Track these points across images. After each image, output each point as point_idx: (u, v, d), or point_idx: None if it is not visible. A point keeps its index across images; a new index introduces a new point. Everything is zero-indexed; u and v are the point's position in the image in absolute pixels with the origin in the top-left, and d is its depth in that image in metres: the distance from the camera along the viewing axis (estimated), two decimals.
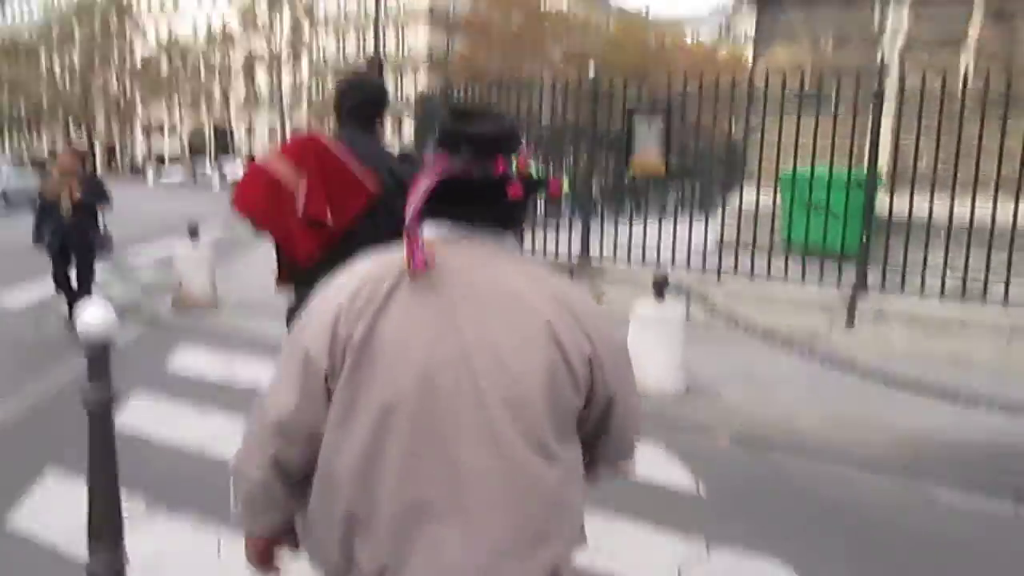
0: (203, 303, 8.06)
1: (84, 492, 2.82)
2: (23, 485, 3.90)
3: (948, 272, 7.03)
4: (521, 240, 1.61)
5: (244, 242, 11.70)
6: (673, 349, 5.40)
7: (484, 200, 1.43)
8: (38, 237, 7.43)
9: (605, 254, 8.60)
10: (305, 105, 60.96)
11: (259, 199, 2.93)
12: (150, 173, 53.70)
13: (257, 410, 1.47)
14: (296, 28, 59.65)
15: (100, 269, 8.02)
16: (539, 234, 8.99)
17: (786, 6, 10.51)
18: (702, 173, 14.11)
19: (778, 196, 8.39)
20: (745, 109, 8.32)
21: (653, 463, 4.31)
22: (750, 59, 7.70)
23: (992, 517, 3.96)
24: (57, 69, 69.19)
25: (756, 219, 7.70)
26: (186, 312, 7.92)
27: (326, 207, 2.84)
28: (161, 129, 72.46)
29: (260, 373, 4.36)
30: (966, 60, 8.87)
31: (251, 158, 34.63)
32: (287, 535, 1.57)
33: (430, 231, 1.44)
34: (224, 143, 65.66)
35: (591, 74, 8.45)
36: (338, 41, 63.89)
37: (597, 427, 1.51)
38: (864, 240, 7.35)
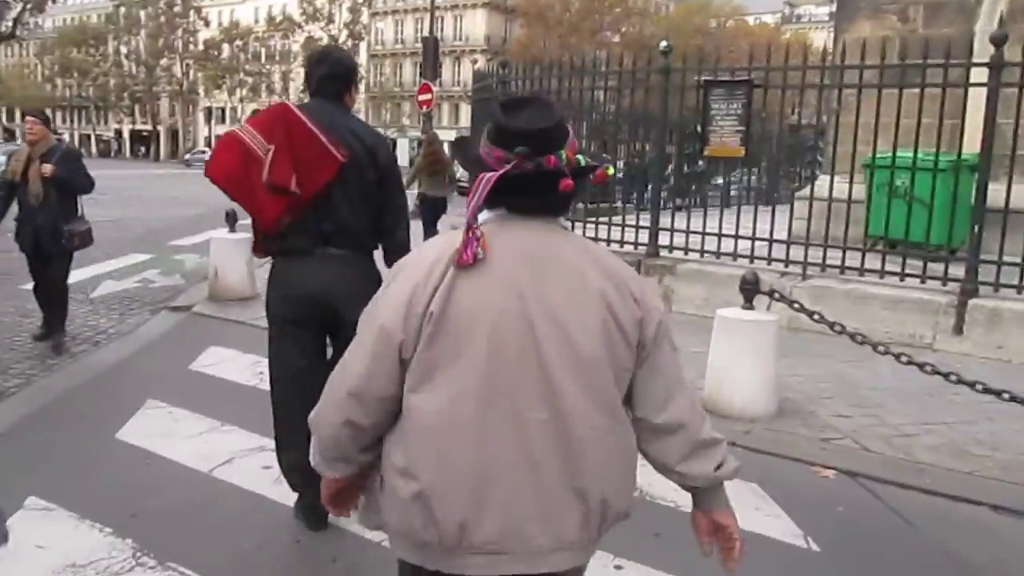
0: (240, 294, 7.51)
1: None
2: None
3: None
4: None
5: None
6: (765, 363, 4.61)
7: (539, 192, 1.55)
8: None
9: (674, 247, 7.79)
10: (363, 89, 60.82)
11: (230, 167, 3.02)
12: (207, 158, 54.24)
13: (334, 374, 1.60)
14: (355, 12, 59.48)
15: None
16: (601, 226, 8.25)
17: None
18: (781, 157, 13.19)
19: (865, 184, 7.46)
20: (833, 84, 7.39)
21: (745, 504, 3.53)
22: (817, 39, 6.84)
23: None
24: (124, 52, 70.44)
25: (849, 210, 6.81)
26: (222, 304, 7.38)
27: (291, 175, 2.93)
28: (223, 114, 73.35)
29: None
30: None
31: None
32: (356, 488, 1.71)
33: (487, 215, 1.56)
34: None
35: (662, 45, 7.62)
36: (396, 26, 63.67)
37: (643, 384, 1.60)
38: (976, 233, 6.40)
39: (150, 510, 3.36)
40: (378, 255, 3.18)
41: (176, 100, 71.18)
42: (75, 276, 8.79)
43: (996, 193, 6.18)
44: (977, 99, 6.24)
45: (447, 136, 11.77)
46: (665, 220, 7.85)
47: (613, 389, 1.54)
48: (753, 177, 10.58)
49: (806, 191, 8.55)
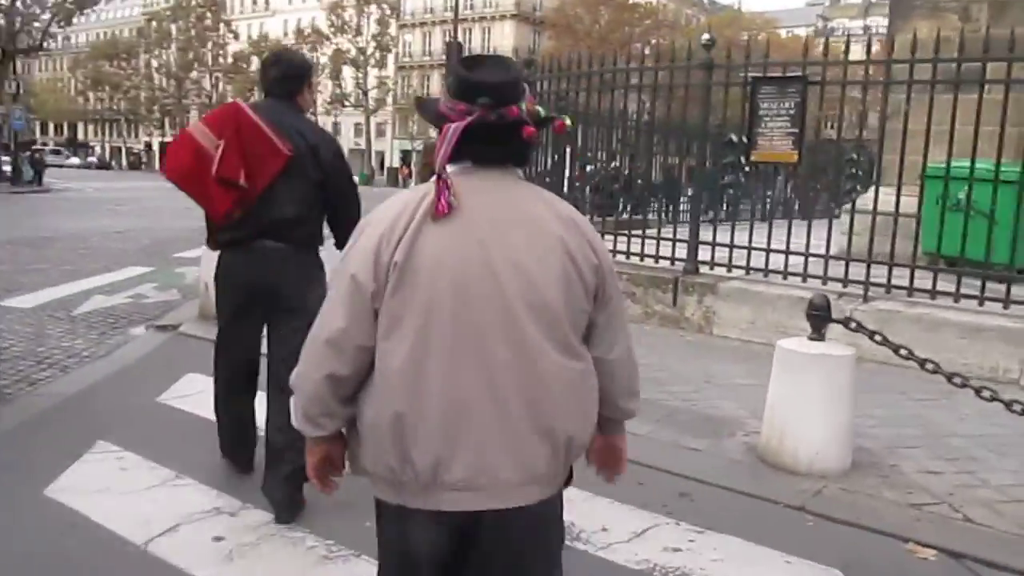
0: None
1: None
2: None
3: None
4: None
5: None
6: (840, 408, 3.76)
7: (502, 142, 1.63)
8: None
9: (712, 262, 6.96)
10: (390, 101, 60.57)
11: (183, 162, 3.14)
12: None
13: (312, 331, 1.64)
14: (383, 24, 59.25)
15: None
16: (634, 240, 7.45)
17: None
18: (825, 165, 12.31)
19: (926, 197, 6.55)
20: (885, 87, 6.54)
21: None
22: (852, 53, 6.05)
23: None
24: (154, 65, 70.90)
25: (918, 226, 5.96)
26: (211, 323, 6.62)
27: (240, 169, 3.04)
28: None
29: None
30: None
31: None
32: (339, 452, 1.74)
33: (453, 168, 1.62)
34: None
35: (704, 37, 6.82)
36: (424, 38, 63.40)
37: (601, 328, 1.70)
38: None
39: None
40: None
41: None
42: (63, 291, 8.22)
43: None
44: None
45: None
46: (703, 234, 7.04)
47: (573, 330, 1.62)
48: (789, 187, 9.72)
49: (860, 202, 7.68)
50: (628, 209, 10.01)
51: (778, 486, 3.69)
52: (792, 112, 6.38)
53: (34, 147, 42.50)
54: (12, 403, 4.74)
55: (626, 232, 7.53)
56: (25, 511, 3.25)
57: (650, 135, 9.00)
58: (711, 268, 6.93)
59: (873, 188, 6.52)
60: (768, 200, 11.62)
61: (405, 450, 1.55)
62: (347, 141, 68.47)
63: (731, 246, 6.84)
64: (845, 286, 6.31)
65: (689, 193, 8.88)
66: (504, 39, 58.81)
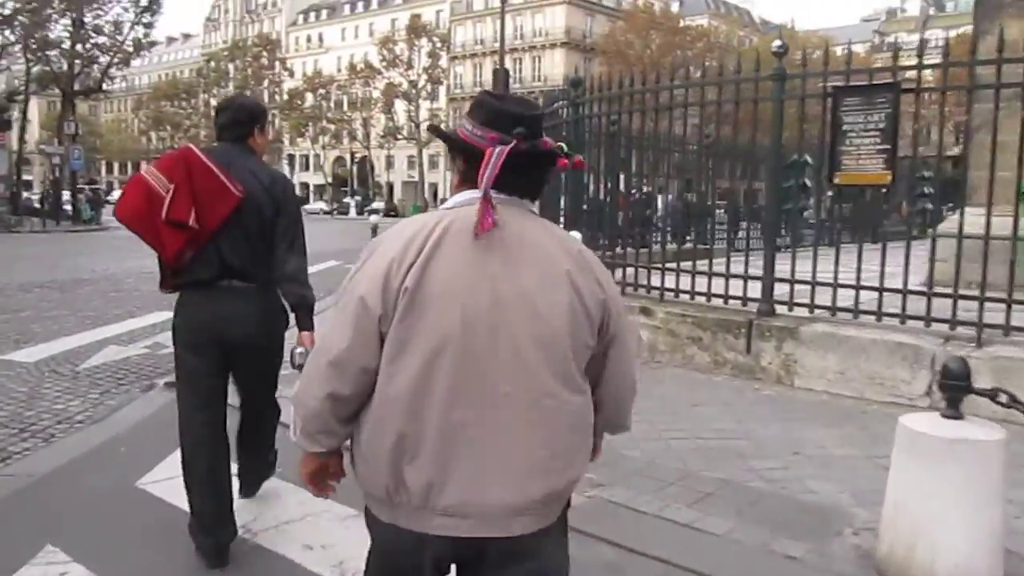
0: None
1: None
2: None
3: None
4: None
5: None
6: (987, 506, 2.83)
7: (526, 173, 1.67)
8: None
9: (794, 302, 6.01)
10: None
11: (135, 205, 3.14)
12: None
13: (315, 350, 1.67)
14: (433, 57, 59.46)
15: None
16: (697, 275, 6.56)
17: None
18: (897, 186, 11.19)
19: None
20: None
21: None
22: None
23: None
24: (213, 104, 72.50)
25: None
26: None
27: (190, 210, 3.05)
28: (306, 161, 74.46)
29: None
30: None
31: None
32: (336, 464, 1.76)
33: (472, 194, 1.62)
34: (364, 174, 66.34)
35: (775, 44, 5.95)
36: (475, 69, 63.45)
37: (602, 364, 1.71)
38: None
39: None
40: None
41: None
42: (76, 341, 7.64)
43: None
44: None
45: None
46: (778, 267, 6.11)
47: (576, 363, 1.63)
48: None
49: (944, 226, 6.63)
50: (692, 239, 9.13)
51: None
52: (882, 126, 5.45)
53: (93, 186, 43.36)
54: None
55: (690, 270, 6.63)
56: None
57: (714, 158, 8.12)
58: (789, 309, 5.99)
59: (958, 210, 5.54)
60: (841, 226, 10.56)
61: (400, 472, 1.58)
62: (400, 174, 68.86)
63: (813, 283, 5.88)
64: (953, 328, 5.33)
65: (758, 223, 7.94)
66: (555, 67, 58.49)
